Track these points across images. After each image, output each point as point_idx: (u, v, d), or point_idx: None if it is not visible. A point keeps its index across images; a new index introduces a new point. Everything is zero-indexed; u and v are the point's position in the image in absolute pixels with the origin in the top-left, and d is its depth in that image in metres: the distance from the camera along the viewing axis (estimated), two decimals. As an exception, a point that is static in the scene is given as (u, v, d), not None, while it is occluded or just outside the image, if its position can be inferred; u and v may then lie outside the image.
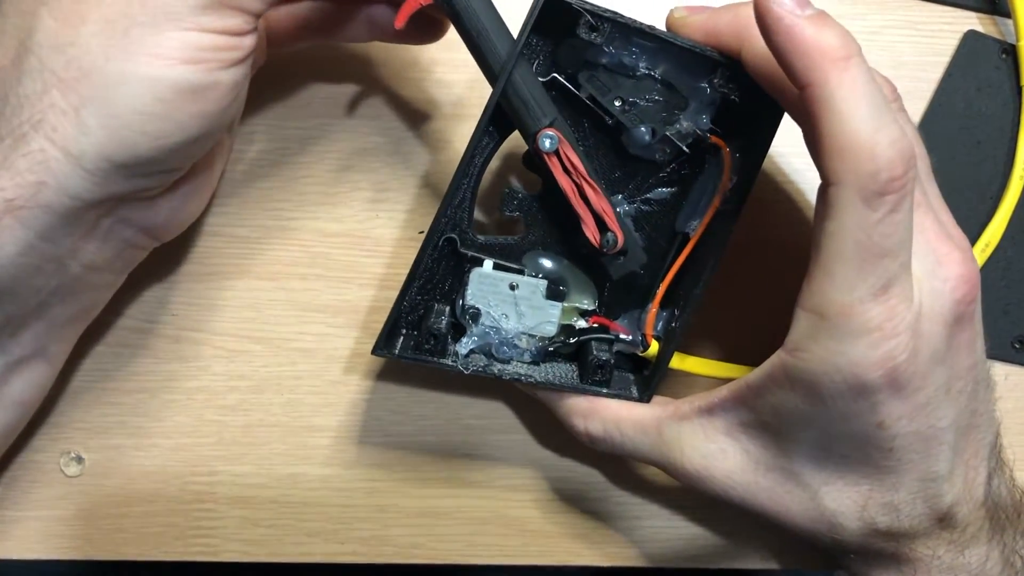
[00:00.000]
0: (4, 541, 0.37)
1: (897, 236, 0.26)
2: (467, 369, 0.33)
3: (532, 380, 0.34)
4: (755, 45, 0.29)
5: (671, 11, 0.32)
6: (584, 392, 0.35)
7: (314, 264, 0.39)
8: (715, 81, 0.31)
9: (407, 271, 0.32)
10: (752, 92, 0.31)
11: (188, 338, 0.38)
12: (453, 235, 0.33)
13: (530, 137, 0.31)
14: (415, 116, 0.39)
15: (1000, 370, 0.40)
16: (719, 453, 0.32)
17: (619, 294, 0.36)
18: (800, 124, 0.30)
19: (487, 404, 0.39)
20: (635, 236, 0.34)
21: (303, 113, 0.39)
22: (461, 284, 0.34)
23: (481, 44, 0.30)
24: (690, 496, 0.40)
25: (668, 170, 0.34)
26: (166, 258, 0.38)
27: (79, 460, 0.38)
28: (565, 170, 0.31)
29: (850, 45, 0.26)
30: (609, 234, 0.32)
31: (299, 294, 0.39)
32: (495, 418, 0.39)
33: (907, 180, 0.26)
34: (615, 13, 0.30)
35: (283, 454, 0.39)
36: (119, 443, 0.38)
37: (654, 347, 0.35)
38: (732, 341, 0.39)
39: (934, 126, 0.40)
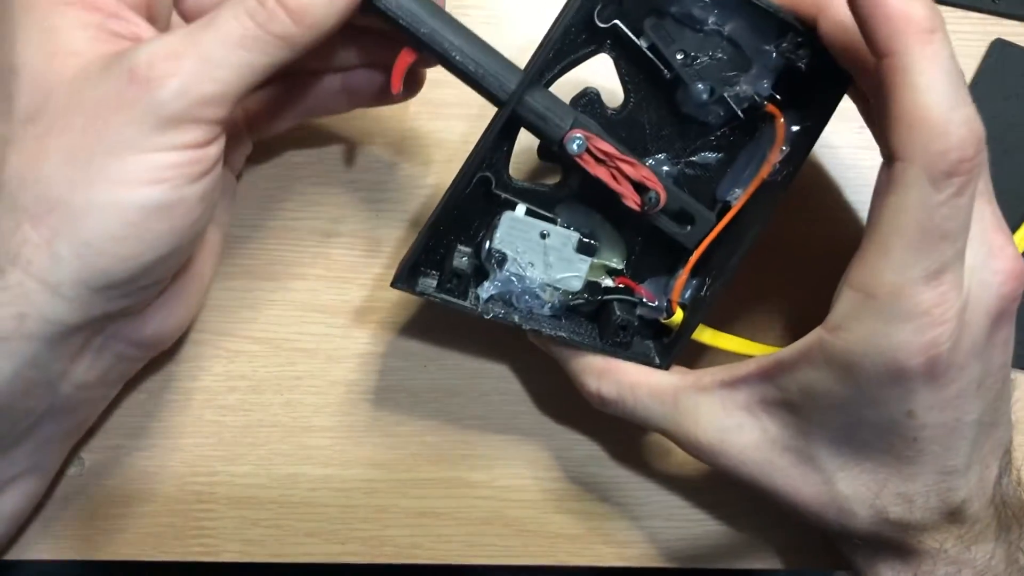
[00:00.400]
0: (4, 541, 0.37)
1: (958, 220, 0.26)
2: (487, 314, 0.32)
3: (553, 333, 0.33)
4: (836, 11, 0.28)
5: None
6: (602, 352, 0.34)
7: (314, 264, 0.39)
8: (783, 46, 0.30)
9: (439, 202, 0.31)
10: (819, 63, 0.30)
11: (188, 338, 0.38)
12: (488, 174, 0.32)
13: (556, 145, 0.31)
14: (416, 116, 0.39)
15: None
16: (736, 428, 0.32)
17: (649, 258, 0.35)
18: (860, 102, 0.30)
19: (487, 404, 0.39)
20: (695, 202, 0.33)
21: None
22: (490, 227, 0.33)
23: (478, 82, 0.30)
24: (691, 497, 0.40)
25: (718, 134, 0.33)
26: (166, 258, 0.38)
27: (79, 460, 0.38)
28: (598, 160, 0.31)
29: (936, 18, 0.25)
30: (651, 193, 0.31)
31: (299, 294, 0.39)
32: (495, 418, 0.39)
33: (976, 164, 0.25)
34: None
35: (283, 454, 0.38)
36: (119, 443, 0.38)
37: (678, 315, 0.34)
38: (754, 326, 0.39)
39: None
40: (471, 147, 0.31)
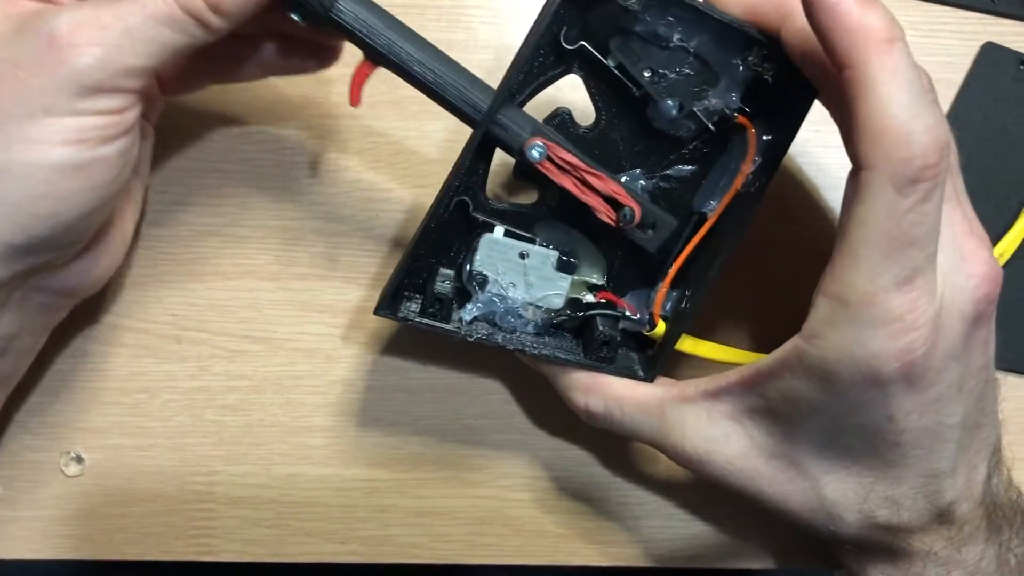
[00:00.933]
0: (4, 541, 0.37)
1: (926, 226, 0.26)
2: (471, 336, 0.33)
3: (537, 352, 0.34)
4: (797, 23, 0.28)
5: None
6: (587, 368, 0.34)
7: (314, 264, 0.39)
8: (749, 59, 0.31)
9: (418, 228, 0.31)
10: (785, 73, 0.30)
11: (188, 338, 0.38)
12: (465, 198, 0.32)
13: (516, 153, 0.31)
14: (415, 116, 0.39)
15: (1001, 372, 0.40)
16: (722, 437, 0.32)
17: (629, 271, 0.35)
18: (831, 108, 0.30)
19: (487, 404, 0.39)
20: (655, 207, 0.33)
21: (302, 113, 0.39)
22: (470, 249, 0.33)
23: (441, 97, 0.31)
24: (691, 497, 0.40)
25: (691, 147, 0.33)
26: (166, 258, 0.38)
27: (79, 460, 0.38)
28: (562, 170, 0.31)
29: (894, 28, 0.26)
30: (625, 209, 0.32)
31: (299, 294, 0.39)
32: (495, 418, 0.39)
33: (940, 169, 0.25)
34: None
35: (283, 454, 0.39)
36: (119, 443, 0.38)
37: (661, 327, 0.34)
38: (738, 332, 0.39)
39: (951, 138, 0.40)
40: (463, 155, 0.31)
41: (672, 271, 0.34)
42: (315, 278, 0.39)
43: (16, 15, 0.28)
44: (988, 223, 0.39)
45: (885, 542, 0.32)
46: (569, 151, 0.31)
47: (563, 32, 0.31)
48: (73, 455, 0.38)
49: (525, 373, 0.39)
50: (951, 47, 0.41)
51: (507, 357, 0.39)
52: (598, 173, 0.32)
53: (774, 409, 0.30)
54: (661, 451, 0.34)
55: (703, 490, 0.40)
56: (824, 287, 0.28)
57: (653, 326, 0.34)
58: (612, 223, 0.32)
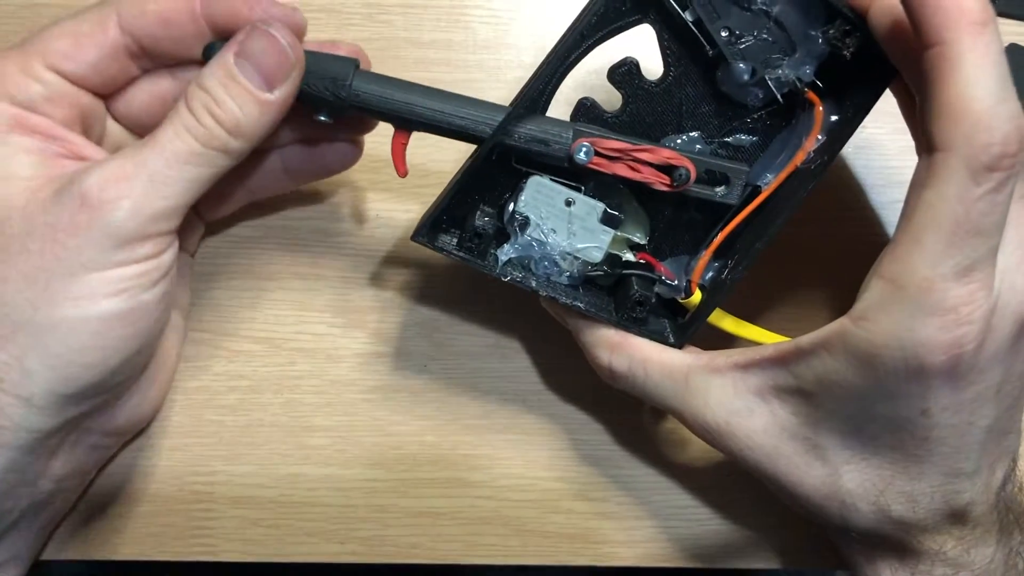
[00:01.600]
0: (4, 541, 0.37)
1: (994, 217, 0.25)
2: (505, 276, 0.32)
3: (569, 302, 0.33)
4: (888, 0, 0.28)
5: None
6: (617, 326, 0.34)
7: (314, 264, 0.39)
8: (830, 32, 0.30)
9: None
10: (863, 53, 0.30)
11: (188, 338, 0.38)
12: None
13: (565, 162, 0.31)
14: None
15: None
16: (745, 411, 0.31)
17: (672, 236, 0.35)
18: (902, 96, 0.30)
19: (487, 404, 0.39)
20: (719, 160, 0.33)
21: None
22: (515, 190, 0.33)
23: (469, 138, 0.31)
24: (691, 497, 0.40)
25: (755, 116, 0.33)
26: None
27: (79, 460, 0.38)
28: (611, 159, 0.31)
29: (989, 11, 0.25)
30: (680, 170, 0.32)
31: (299, 294, 0.39)
32: (495, 418, 0.39)
33: (1018, 160, 0.25)
34: None
35: (283, 454, 0.38)
36: (119, 443, 0.38)
37: (697, 296, 0.33)
38: (768, 320, 0.39)
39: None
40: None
41: (717, 240, 0.33)
42: (315, 278, 0.39)
43: (56, 178, 0.29)
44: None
45: (895, 538, 0.31)
46: (612, 138, 0.31)
47: None
48: (73, 455, 0.38)
49: (525, 374, 0.39)
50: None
51: (508, 358, 0.39)
52: (647, 147, 0.31)
53: (804, 390, 0.30)
54: (680, 419, 0.33)
55: (705, 490, 0.40)
56: (881, 269, 0.27)
57: (689, 294, 0.33)
58: (668, 188, 0.32)
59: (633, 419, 0.39)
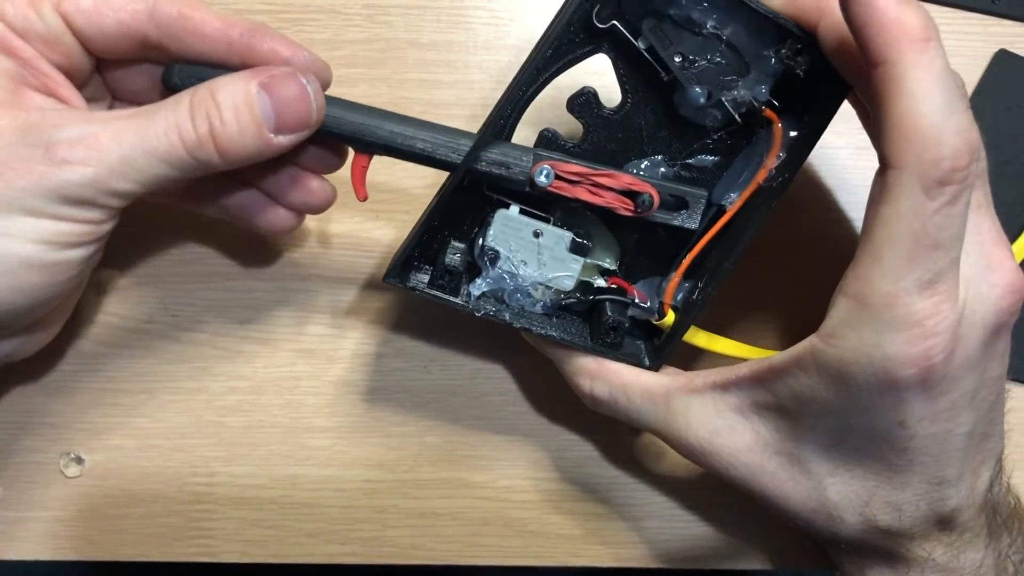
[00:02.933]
0: (4, 542, 0.37)
1: (951, 229, 0.26)
2: (479, 311, 0.33)
3: (543, 332, 0.34)
4: (835, 17, 0.28)
5: None
6: (594, 352, 0.34)
7: (314, 264, 0.39)
8: (782, 51, 0.30)
9: (432, 200, 0.31)
10: (817, 70, 0.30)
11: (188, 338, 0.38)
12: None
13: (526, 185, 0.31)
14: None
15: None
16: (727, 430, 0.31)
17: (642, 259, 0.35)
18: (860, 108, 0.30)
19: (487, 405, 0.39)
20: (679, 185, 0.33)
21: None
22: (483, 224, 0.33)
23: (430, 162, 0.31)
24: (691, 497, 0.40)
25: (715, 137, 0.33)
26: (167, 258, 0.38)
27: (79, 461, 0.38)
28: (572, 183, 0.31)
29: (931, 27, 0.25)
30: (644, 196, 0.32)
31: (299, 294, 0.39)
32: (495, 418, 0.39)
33: (970, 172, 0.25)
34: None
35: (283, 455, 0.38)
36: (119, 444, 0.38)
37: (670, 317, 0.34)
38: (747, 329, 0.39)
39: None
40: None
41: (686, 261, 0.33)
42: (315, 278, 0.39)
43: (22, 107, 0.28)
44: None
45: (884, 547, 0.32)
46: (572, 162, 0.31)
47: (596, 10, 0.30)
48: (73, 456, 0.38)
49: (525, 375, 0.39)
50: (952, 48, 0.41)
51: (507, 359, 0.39)
52: (607, 172, 0.32)
53: (783, 406, 0.30)
54: (664, 440, 0.33)
55: (705, 491, 0.40)
56: (845, 286, 0.28)
57: (663, 315, 0.34)
58: (632, 214, 0.32)
59: (633, 420, 0.39)
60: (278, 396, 0.39)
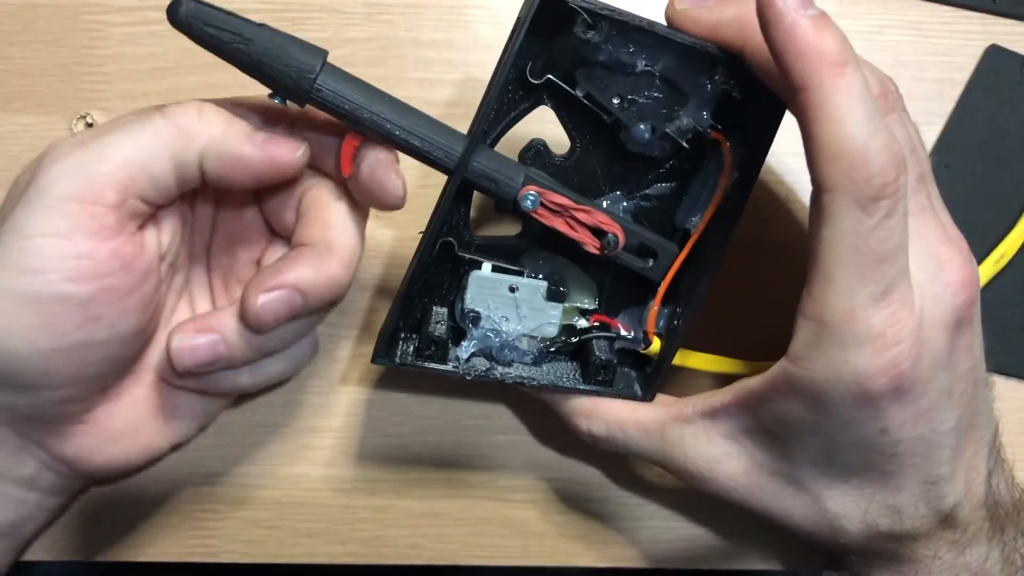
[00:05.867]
0: (4, 542, 0.37)
1: (893, 240, 0.26)
2: (469, 375, 0.33)
3: (535, 383, 0.34)
4: (757, 41, 0.28)
5: (670, 3, 0.31)
6: (587, 393, 0.34)
7: (314, 264, 0.39)
8: (716, 77, 0.31)
9: (406, 271, 0.32)
10: (754, 88, 0.30)
11: (188, 338, 0.38)
12: (450, 239, 0.33)
13: (510, 203, 0.31)
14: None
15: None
16: (722, 456, 0.32)
17: (619, 291, 0.35)
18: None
19: (487, 405, 0.39)
20: (654, 235, 0.33)
21: (303, 113, 0.39)
22: (460, 287, 0.34)
23: (424, 155, 0.30)
24: (690, 497, 0.40)
25: (668, 165, 0.34)
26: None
27: (79, 461, 0.38)
28: (553, 212, 0.32)
29: (847, 51, 0.26)
30: (609, 236, 0.32)
31: (299, 294, 0.39)
32: (495, 419, 0.39)
33: (900, 185, 0.26)
34: (612, 10, 0.29)
35: (283, 455, 0.38)
36: (119, 444, 0.38)
37: (656, 344, 0.34)
38: (732, 339, 0.39)
39: (955, 140, 0.40)
40: (441, 203, 0.31)
41: (662, 289, 0.34)
42: (315, 278, 0.39)
43: None
44: (989, 225, 0.40)
45: (889, 550, 0.32)
46: (559, 192, 0.32)
47: (528, 67, 0.31)
48: (73, 456, 0.38)
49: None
50: (953, 47, 0.41)
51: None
52: (586, 208, 0.32)
53: (769, 429, 0.31)
54: (665, 469, 0.34)
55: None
56: (804, 309, 0.28)
57: (648, 344, 0.34)
58: (598, 252, 0.32)
59: (633, 419, 0.39)
60: (279, 396, 0.38)
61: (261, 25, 0.28)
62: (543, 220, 0.32)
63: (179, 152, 0.28)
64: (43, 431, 0.31)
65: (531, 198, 0.31)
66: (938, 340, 0.28)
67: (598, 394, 0.34)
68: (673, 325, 0.34)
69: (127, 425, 0.32)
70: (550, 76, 0.31)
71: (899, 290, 0.27)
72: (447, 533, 0.39)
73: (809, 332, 0.28)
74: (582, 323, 0.35)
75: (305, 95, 0.29)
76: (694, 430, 0.32)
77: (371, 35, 0.39)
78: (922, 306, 0.28)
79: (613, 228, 0.32)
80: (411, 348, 0.34)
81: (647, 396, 0.35)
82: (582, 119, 0.33)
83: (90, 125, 0.39)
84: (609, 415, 0.34)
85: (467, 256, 0.33)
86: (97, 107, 0.39)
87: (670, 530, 0.40)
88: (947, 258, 0.29)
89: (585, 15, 0.29)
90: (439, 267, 0.34)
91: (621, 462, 0.40)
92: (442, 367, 0.33)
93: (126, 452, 0.32)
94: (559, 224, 0.32)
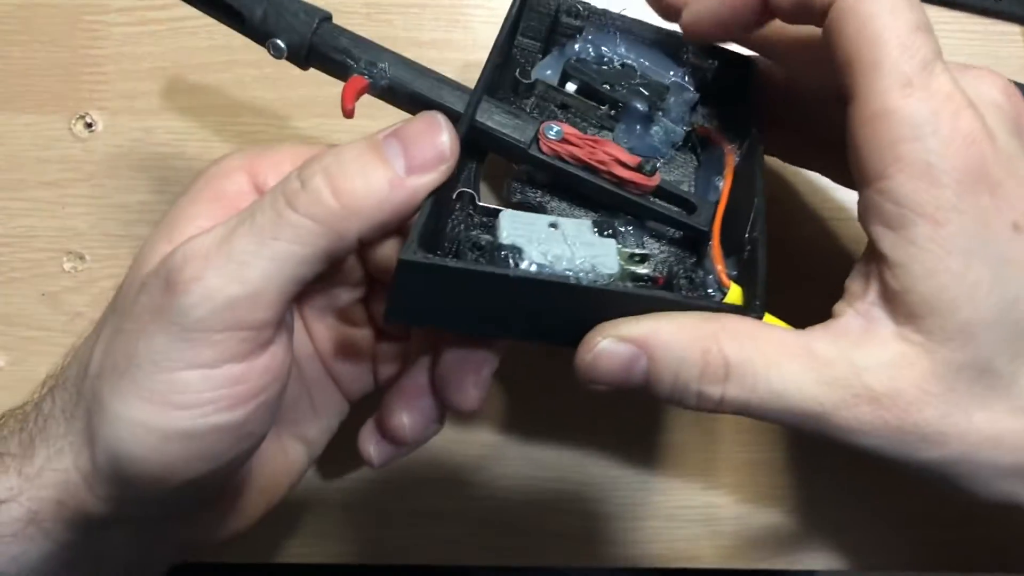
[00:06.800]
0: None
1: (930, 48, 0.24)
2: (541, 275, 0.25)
3: (629, 289, 0.26)
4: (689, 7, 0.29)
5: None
6: (695, 306, 0.26)
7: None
8: (687, 57, 0.32)
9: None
10: (721, 54, 0.32)
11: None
12: (470, 190, 0.29)
13: (528, 143, 0.28)
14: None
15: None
16: (903, 360, 0.24)
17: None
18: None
19: (487, 404, 0.39)
20: (689, 192, 0.31)
21: (302, 113, 0.39)
22: (492, 230, 0.28)
23: (430, 101, 0.28)
24: (690, 497, 0.40)
25: (678, 147, 0.32)
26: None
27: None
28: (572, 156, 0.29)
29: None
30: (646, 165, 0.28)
31: (299, 294, 0.39)
32: (495, 418, 0.39)
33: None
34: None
35: (283, 455, 0.38)
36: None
37: (735, 291, 0.27)
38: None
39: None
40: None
41: (716, 228, 0.29)
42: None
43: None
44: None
45: None
46: (578, 127, 0.30)
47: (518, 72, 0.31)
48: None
49: (526, 374, 0.39)
50: (954, 48, 0.41)
51: (508, 358, 0.39)
52: (608, 142, 0.29)
53: (915, 298, 0.24)
54: (816, 405, 0.25)
55: (704, 491, 0.40)
56: (854, 129, 0.25)
57: (725, 291, 0.27)
58: (647, 182, 0.28)
59: (633, 420, 0.39)
60: (278, 396, 0.38)
61: None
62: (569, 155, 0.28)
63: (334, 248, 0.25)
64: (162, 524, 0.30)
65: (554, 128, 0.28)
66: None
67: (717, 309, 0.26)
68: (744, 258, 0.28)
69: (247, 497, 0.31)
70: (539, 78, 0.31)
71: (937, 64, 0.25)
72: (447, 533, 0.39)
73: (869, 136, 0.24)
74: (642, 270, 0.28)
75: (307, 43, 0.28)
76: (858, 338, 0.25)
77: (370, 35, 0.39)
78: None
79: (637, 159, 0.29)
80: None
81: (762, 310, 0.26)
82: (579, 121, 0.32)
83: (89, 125, 0.39)
84: (746, 370, 0.25)
85: (491, 206, 0.29)
86: (96, 107, 0.39)
87: (670, 530, 0.40)
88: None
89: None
90: (460, 221, 0.28)
91: (621, 462, 0.40)
92: (494, 270, 0.25)
93: (249, 518, 0.32)
94: (585, 155, 0.28)
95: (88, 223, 0.39)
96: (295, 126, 0.39)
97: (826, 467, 0.39)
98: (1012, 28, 0.41)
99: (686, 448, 0.39)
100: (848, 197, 0.40)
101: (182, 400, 0.24)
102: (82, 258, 0.39)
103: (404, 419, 0.30)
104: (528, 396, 0.39)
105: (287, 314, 0.26)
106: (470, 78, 0.39)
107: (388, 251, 0.28)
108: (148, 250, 0.27)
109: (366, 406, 0.34)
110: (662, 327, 0.25)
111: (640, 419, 0.39)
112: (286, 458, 0.32)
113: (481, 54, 0.39)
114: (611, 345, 0.25)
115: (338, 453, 0.39)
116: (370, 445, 0.31)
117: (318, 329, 0.33)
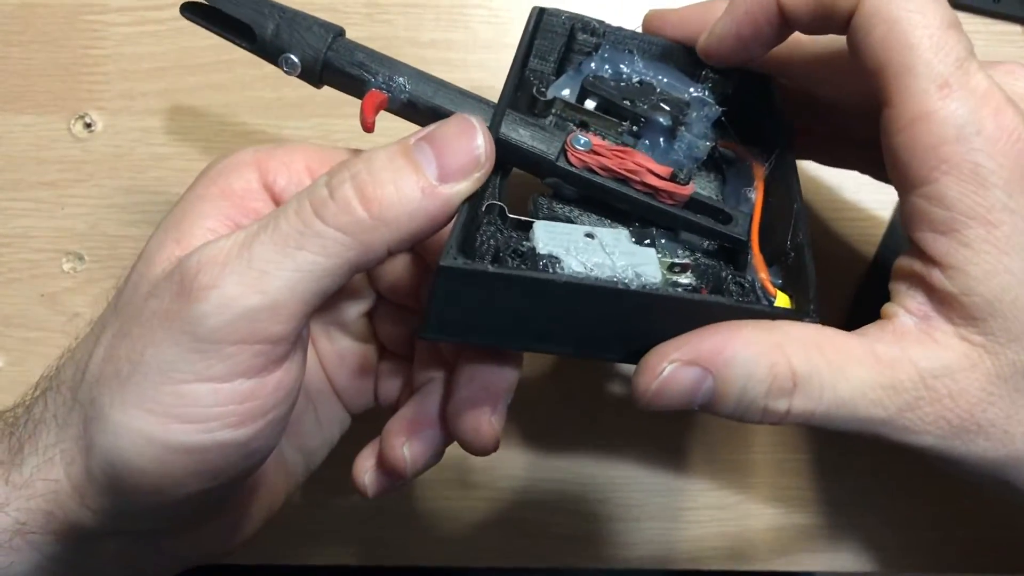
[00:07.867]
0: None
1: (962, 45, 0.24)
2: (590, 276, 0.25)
3: (685, 295, 0.26)
4: (713, 30, 0.29)
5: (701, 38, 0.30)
6: (753, 312, 0.25)
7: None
8: (708, 75, 0.31)
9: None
10: (741, 80, 0.31)
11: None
12: (499, 203, 0.27)
13: (556, 155, 0.27)
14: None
15: None
16: (964, 360, 0.24)
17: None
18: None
19: (487, 405, 0.39)
20: (720, 203, 0.29)
21: (301, 113, 0.39)
22: (528, 238, 0.27)
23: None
24: (690, 498, 0.40)
25: (704, 167, 0.31)
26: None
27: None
28: (602, 167, 0.28)
29: None
30: (679, 175, 0.28)
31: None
32: (495, 419, 0.39)
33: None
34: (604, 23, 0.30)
35: (283, 455, 0.38)
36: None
37: (783, 299, 0.26)
38: None
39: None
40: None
41: (755, 234, 0.28)
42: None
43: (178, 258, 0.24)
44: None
45: None
46: (608, 138, 0.29)
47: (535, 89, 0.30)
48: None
49: (526, 374, 0.39)
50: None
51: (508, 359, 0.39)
52: (638, 152, 0.28)
53: (992, 304, 0.24)
54: (884, 410, 0.24)
55: (704, 492, 0.40)
56: (887, 126, 0.25)
57: (772, 299, 0.27)
58: (681, 191, 0.27)
59: (633, 421, 0.39)
60: (277, 396, 0.38)
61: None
62: (597, 167, 0.27)
63: (362, 260, 0.24)
64: (154, 537, 0.29)
65: (582, 139, 0.27)
66: None
67: (771, 315, 0.25)
68: (785, 262, 0.27)
69: (245, 510, 0.30)
70: (557, 96, 0.30)
71: (972, 62, 0.24)
72: (447, 533, 0.39)
73: (906, 139, 0.24)
74: (683, 279, 0.27)
75: (322, 57, 0.27)
76: (917, 340, 0.24)
77: (370, 35, 0.39)
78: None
79: (666, 168, 0.28)
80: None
81: (818, 314, 0.26)
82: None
83: (88, 125, 0.39)
84: (813, 380, 0.24)
85: (523, 218, 0.27)
86: (95, 107, 0.39)
87: (671, 531, 0.40)
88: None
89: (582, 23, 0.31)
90: (492, 232, 0.26)
91: (622, 463, 0.40)
92: (538, 275, 0.24)
93: (247, 530, 0.30)
94: (615, 165, 0.27)
95: (87, 223, 0.39)
96: (295, 126, 0.39)
97: (830, 468, 0.39)
98: (1012, 28, 0.41)
99: (686, 451, 0.39)
100: (848, 197, 0.40)
101: (188, 414, 0.23)
102: (81, 258, 0.39)
103: (406, 451, 0.29)
104: (529, 396, 0.39)
105: (304, 330, 0.25)
106: (471, 79, 0.39)
107: (397, 266, 0.27)
108: (154, 250, 0.26)
109: (364, 418, 0.34)
110: (727, 343, 0.24)
111: (641, 420, 0.39)
112: (286, 470, 0.32)
113: (481, 54, 0.40)
114: (677, 370, 0.24)
115: (338, 454, 0.39)
116: (365, 475, 0.30)
117: (323, 342, 0.32)
